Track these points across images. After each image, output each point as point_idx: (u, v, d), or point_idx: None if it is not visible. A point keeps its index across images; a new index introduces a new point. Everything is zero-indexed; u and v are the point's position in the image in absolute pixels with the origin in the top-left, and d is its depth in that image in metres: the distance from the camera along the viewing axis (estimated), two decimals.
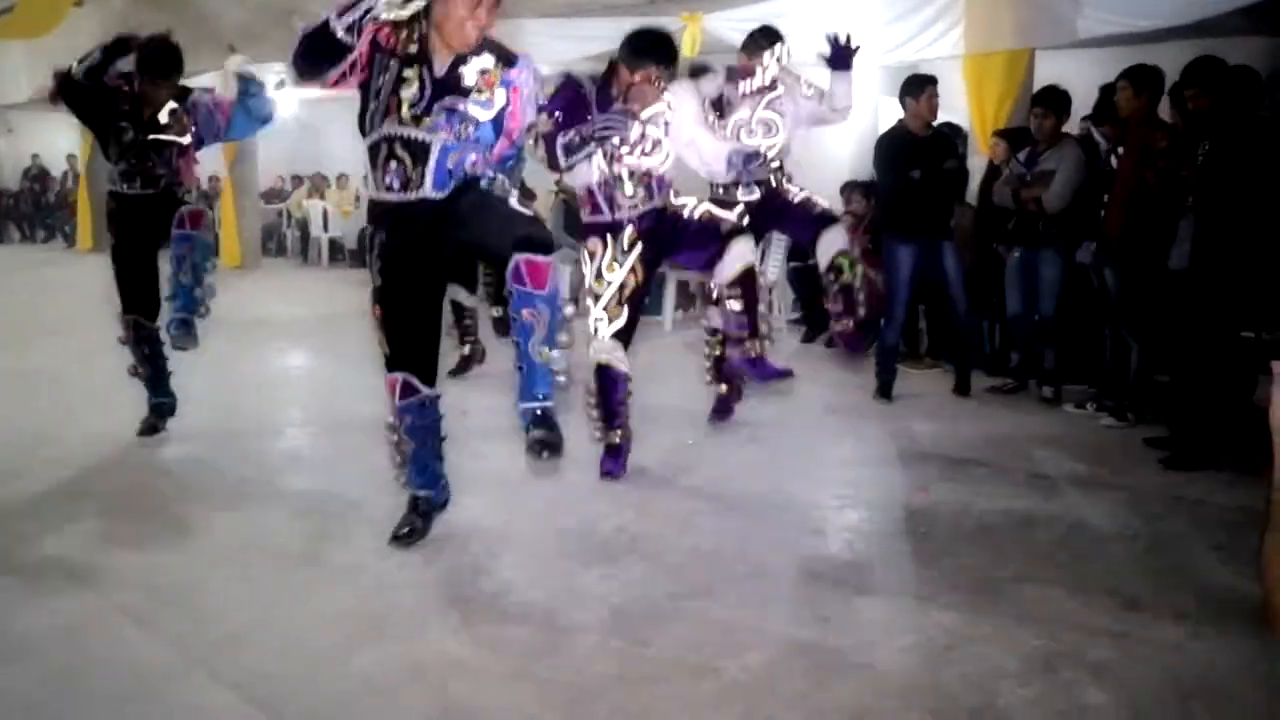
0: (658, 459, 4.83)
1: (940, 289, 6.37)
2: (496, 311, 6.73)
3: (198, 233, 5.00)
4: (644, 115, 4.25)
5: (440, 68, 3.36)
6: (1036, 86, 7.38)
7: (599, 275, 4.43)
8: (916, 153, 6.05)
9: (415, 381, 3.53)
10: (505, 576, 3.52)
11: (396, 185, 3.41)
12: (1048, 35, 7.31)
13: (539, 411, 3.40)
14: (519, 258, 3.28)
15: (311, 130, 18.75)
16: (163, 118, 5.01)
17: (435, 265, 3.54)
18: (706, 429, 5.43)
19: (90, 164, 18.60)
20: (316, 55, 3.26)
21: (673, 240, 4.50)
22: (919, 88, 6.09)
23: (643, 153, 4.40)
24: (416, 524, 3.71)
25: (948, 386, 6.41)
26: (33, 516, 4.11)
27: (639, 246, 4.43)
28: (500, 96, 3.41)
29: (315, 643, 3.04)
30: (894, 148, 6.22)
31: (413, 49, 3.33)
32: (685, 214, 4.46)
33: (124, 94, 4.95)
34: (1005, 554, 3.77)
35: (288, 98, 14.72)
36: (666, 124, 4.44)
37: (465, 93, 3.37)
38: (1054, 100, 5.97)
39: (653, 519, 4.12)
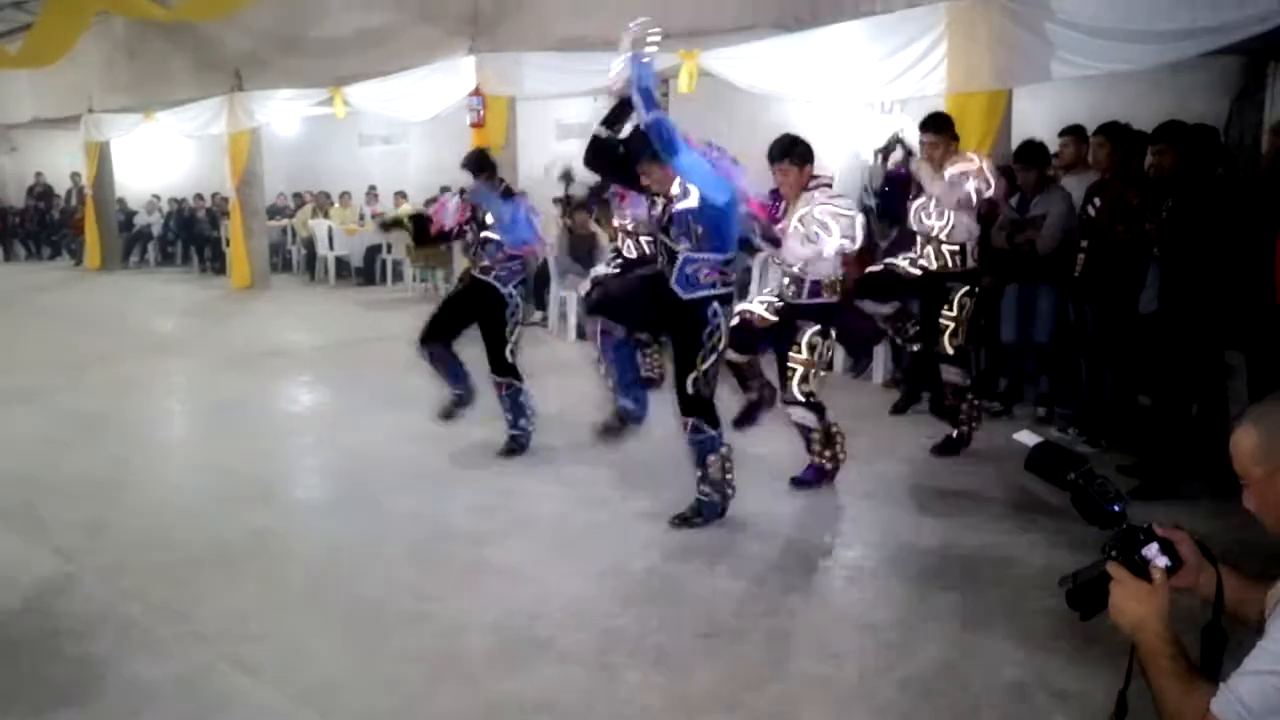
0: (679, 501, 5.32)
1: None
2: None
3: None
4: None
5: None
6: (1015, 125, 7.99)
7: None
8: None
9: (610, 325, 4.97)
10: (555, 619, 4.03)
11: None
12: (1024, 75, 7.80)
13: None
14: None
15: (312, 149, 19.21)
16: None
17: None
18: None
19: (96, 183, 19.01)
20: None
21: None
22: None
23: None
24: (615, 425, 5.24)
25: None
26: (127, 570, 4.60)
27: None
28: (693, 191, 4.63)
29: (404, 683, 3.54)
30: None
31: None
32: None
33: None
34: (986, 589, 4.29)
35: (290, 116, 15.20)
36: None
37: (672, 200, 4.72)
38: (1034, 155, 6.59)
39: (687, 560, 4.63)
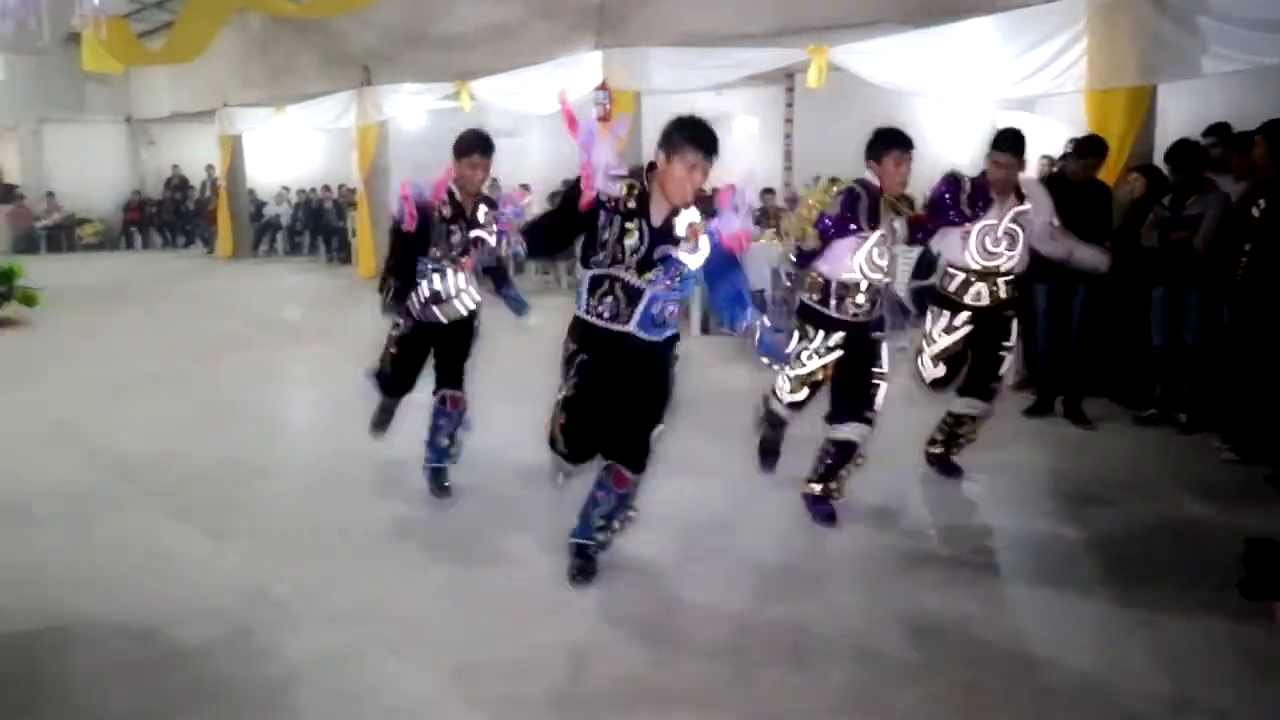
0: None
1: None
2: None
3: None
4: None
5: (657, 219, 3.95)
6: (1161, 122, 7.75)
7: (798, 355, 4.95)
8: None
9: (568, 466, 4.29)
10: (692, 613, 4.05)
11: (607, 315, 4.00)
12: (1171, 72, 7.55)
13: (579, 547, 4.34)
14: (613, 465, 4.17)
15: (437, 142, 19.49)
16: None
17: (616, 385, 4.08)
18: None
19: (229, 175, 19.68)
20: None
21: (857, 359, 4.94)
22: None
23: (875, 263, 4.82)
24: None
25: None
26: (270, 552, 4.76)
27: (841, 352, 4.92)
28: (705, 245, 3.91)
29: (546, 672, 3.59)
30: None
31: (632, 204, 3.95)
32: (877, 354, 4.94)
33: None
34: (1135, 598, 4.18)
35: (417, 110, 15.49)
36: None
37: (675, 242, 3.92)
38: (1188, 156, 6.49)
39: (822, 559, 4.62)
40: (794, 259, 4.89)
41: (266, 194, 21.26)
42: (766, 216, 11.56)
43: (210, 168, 21.32)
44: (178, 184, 23.06)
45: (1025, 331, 6.74)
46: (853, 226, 4.72)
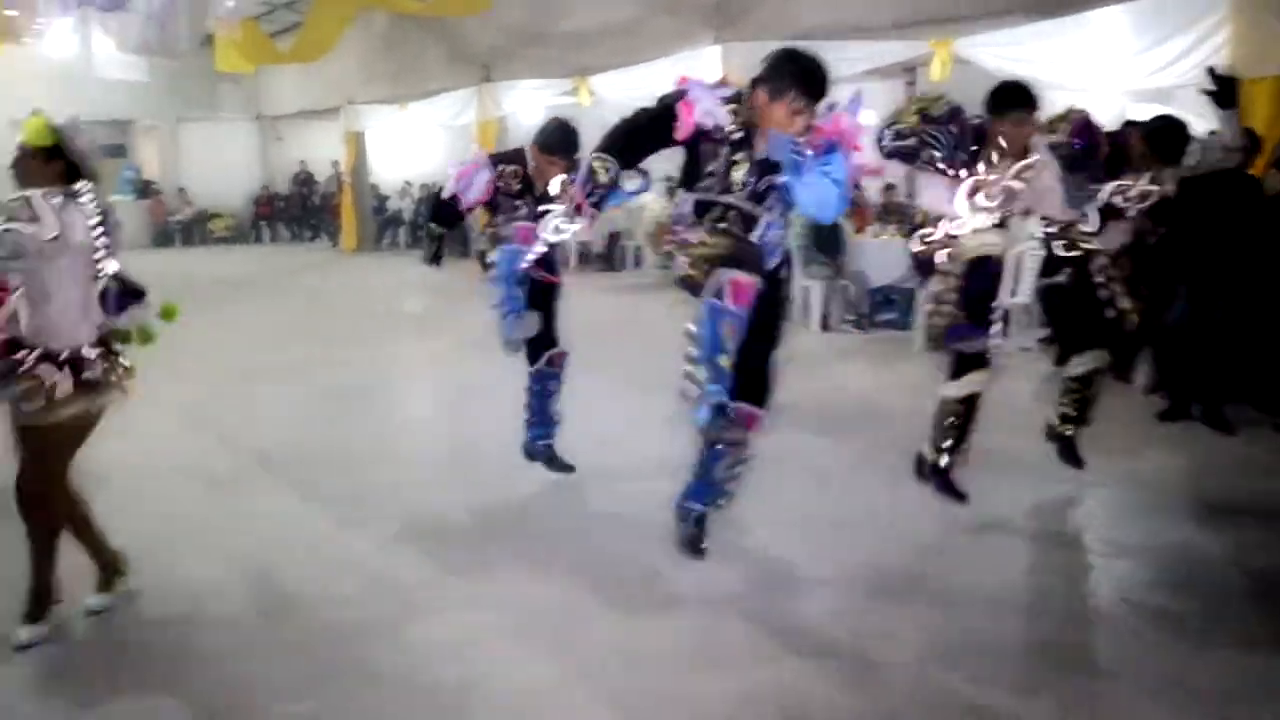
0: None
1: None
2: None
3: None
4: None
5: (761, 150, 3.85)
6: None
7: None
8: None
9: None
10: (812, 611, 4.00)
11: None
12: None
13: (699, 515, 4.25)
14: (740, 407, 4.00)
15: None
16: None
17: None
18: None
19: (353, 170, 20.17)
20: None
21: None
22: None
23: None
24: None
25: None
26: (395, 538, 4.85)
27: None
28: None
29: (665, 670, 3.58)
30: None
31: (738, 135, 3.85)
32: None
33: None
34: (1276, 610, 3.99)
35: (536, 106, 15.63)
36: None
37: (779, 170, 3.81)
38: None
39: (947, 558, 4.54)
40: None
41: (389, 189, 21.72)
42: (888, 212, 11.36)
43: (335, 163, 21.89)
44: (304, 179, 23.74)
45: (1157, 331, 6.49)
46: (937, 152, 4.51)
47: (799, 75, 3.75)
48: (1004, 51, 9.05)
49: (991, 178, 4.59)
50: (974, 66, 9.28)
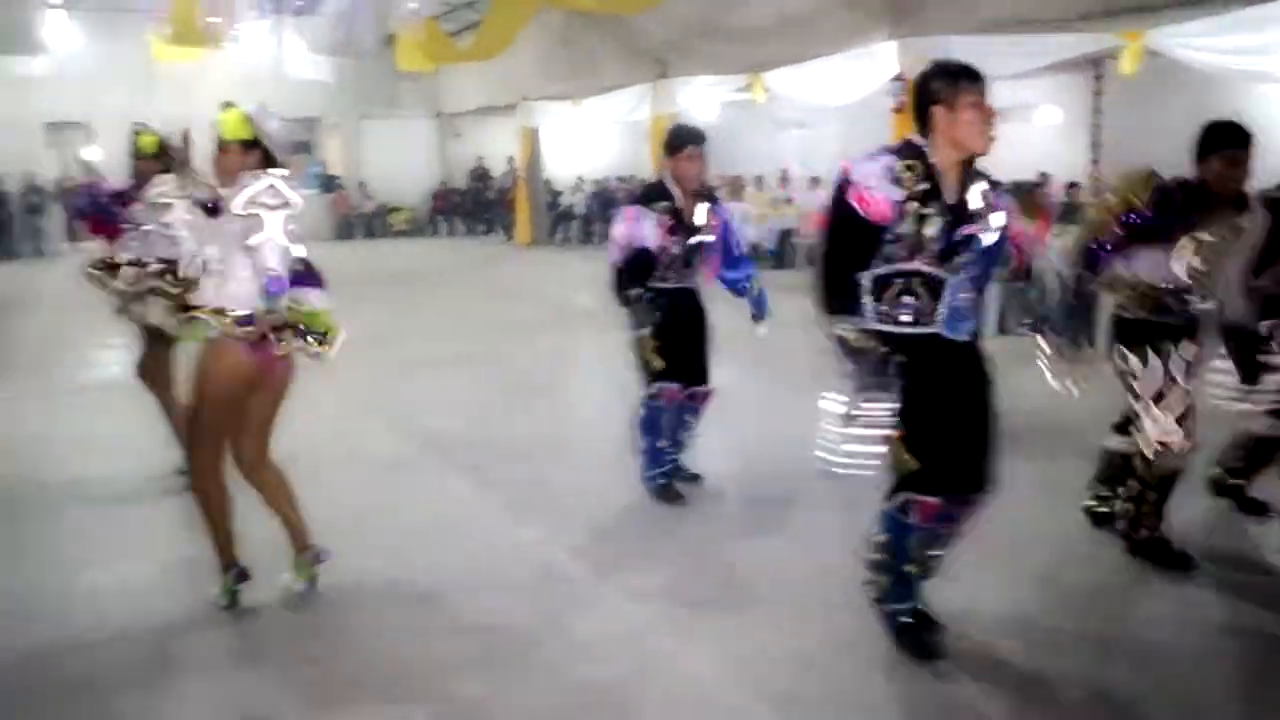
0: None
1: None
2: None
3: None
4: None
5: (950, 194, 3.33)
6: None
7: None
8: None
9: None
10: (984, 624, 3.89)
11: (908, 319, 3.36)
12: None
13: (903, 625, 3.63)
14: (968, 498, 3.44)
15: (728, 133, 19.69)
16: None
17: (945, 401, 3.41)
18: None
19: (528, 166, 20.62)
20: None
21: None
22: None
23: None
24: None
25: None
26: (568, 529, 4.92)
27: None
28: (997, 220, 3.39)
29: (830, 671, 3.54)
30: None
31: (923, 186, 3.28)
32: None
33: None
34: None
35: (711, 102, 15.67)
36: None
37: (973, 218, 3.34)
38: None
39: (1113, 572, 4.35)
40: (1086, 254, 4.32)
41: (562, 184, 22.15)
42: (1072, 210, 10.96)
43: (510, 159, 22.41)
44: (480, 174, 24.44)
45: None
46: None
47: (964, 71, 3.32)
48: (1202, 43, 8.59)
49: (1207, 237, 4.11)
50: (1166, 60, 8.85)
